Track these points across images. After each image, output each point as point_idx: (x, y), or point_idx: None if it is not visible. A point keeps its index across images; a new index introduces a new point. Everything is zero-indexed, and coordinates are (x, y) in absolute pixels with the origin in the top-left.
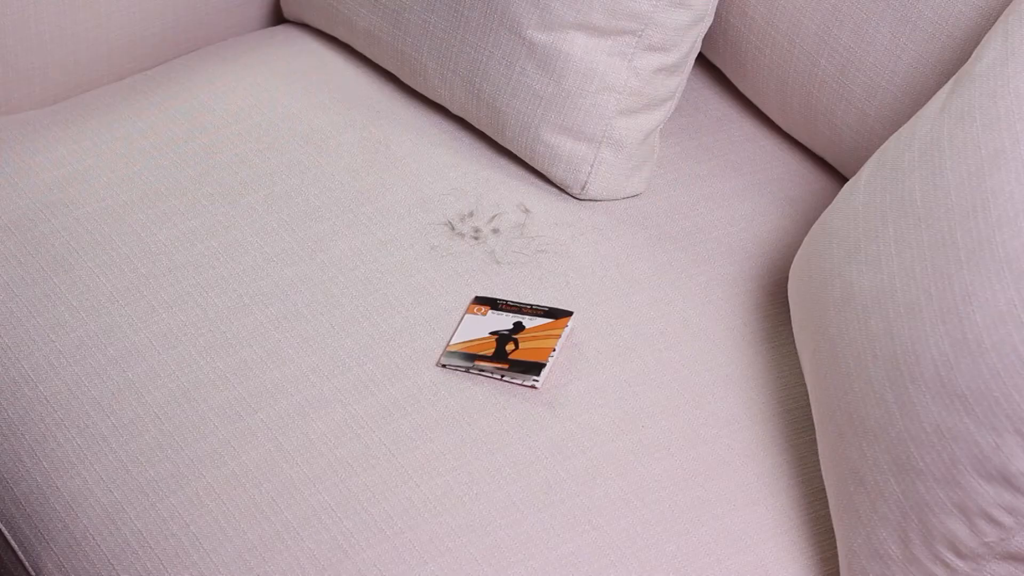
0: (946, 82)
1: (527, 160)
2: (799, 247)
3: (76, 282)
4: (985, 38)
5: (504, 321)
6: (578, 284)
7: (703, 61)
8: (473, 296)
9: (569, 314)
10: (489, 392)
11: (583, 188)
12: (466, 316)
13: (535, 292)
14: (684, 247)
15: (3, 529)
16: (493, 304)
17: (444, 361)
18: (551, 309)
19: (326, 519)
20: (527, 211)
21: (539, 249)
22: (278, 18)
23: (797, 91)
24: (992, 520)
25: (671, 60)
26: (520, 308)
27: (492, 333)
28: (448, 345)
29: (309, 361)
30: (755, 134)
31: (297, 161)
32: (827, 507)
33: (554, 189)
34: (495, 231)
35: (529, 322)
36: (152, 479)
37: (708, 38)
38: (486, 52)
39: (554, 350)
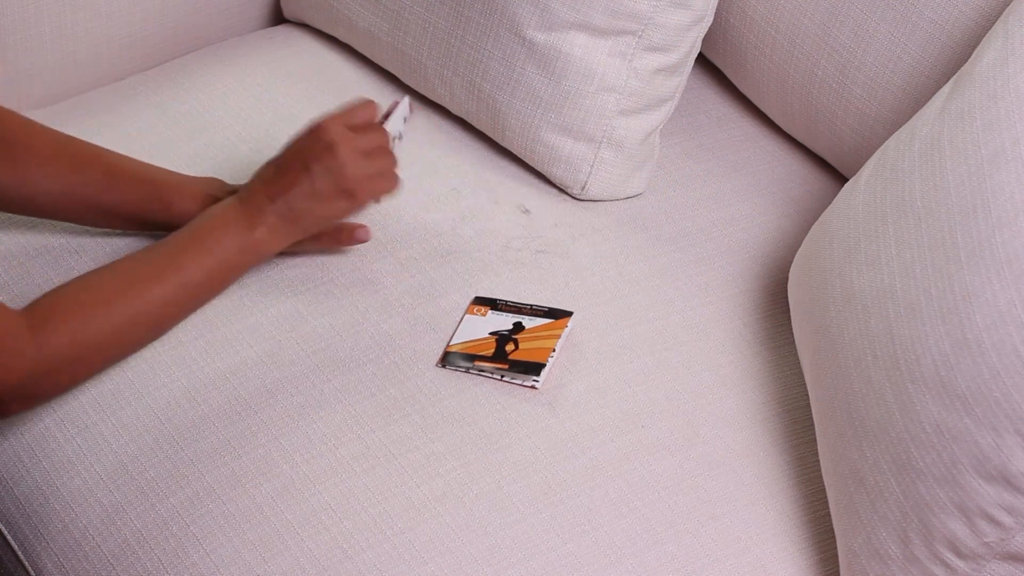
0: (946, 82)
1: (527, 160)
2: (799, 247)
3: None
4: (985, 38)
5: (504, 321)
6: (578, 284)
7: (703, 61)
8: (473, 297)
9: (569, 314)
10: (489, 392)
11: (583, 188)
12: (466, 317)
13: (535, 292)
14: (684, 247)
15: (3, 529)
16: (493, 304)
17: (444, 361)
18: (551, 309)
19: (326, 519)
20: (527, 211)
21: (539, 250)
22: (278, 18)
23: (797, 91)
24: (992, 520)
25: (671, 60)
26: (520, 308)
27: (492, 333)
28: (448, 345)
29: (309, 362)
30: (755, 134)
31: None
32: (827, 507)
33: (554, 189)
34: (495, 232)
35: (529, 322)
36: (152, 479)
37: (708, 38)
38: (486, 52)
39: (554, 350)
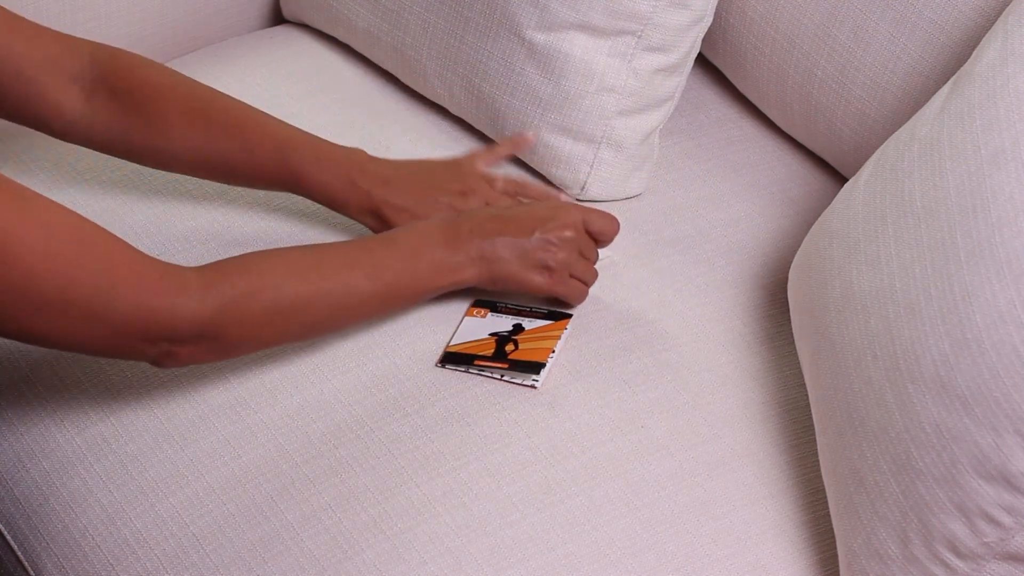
0: (946, 82)
1: (526, 160)
2: (799, 247)
3: None
4: (985, 38)
5: (504, 323)
6: None
7: (703, 61)
8: (473, 299)
9: (569, 316)
10: (489, 392)
11: (583, 189)
12: (465, 319)
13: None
14: (683, 248)
15: (3, 529)
16: (493, 307)
17: (444, 361)
18: (551, 311)
19: (326, 519)
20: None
21: None
22: (278, 18)
23: (797, 91)
24: (992, 520)
25: (671, 60)
26: (520, 310)
27: (492, 335)
28: (448, 346)
29: (309, 362)
30: (755, 134)
31: None
32: (827, 507)
33: (553, 190)
34: None
35: (529, 324)
36: (152, 479)
37: (708, 38)
38: (486, 52)
39: (554, 351)
